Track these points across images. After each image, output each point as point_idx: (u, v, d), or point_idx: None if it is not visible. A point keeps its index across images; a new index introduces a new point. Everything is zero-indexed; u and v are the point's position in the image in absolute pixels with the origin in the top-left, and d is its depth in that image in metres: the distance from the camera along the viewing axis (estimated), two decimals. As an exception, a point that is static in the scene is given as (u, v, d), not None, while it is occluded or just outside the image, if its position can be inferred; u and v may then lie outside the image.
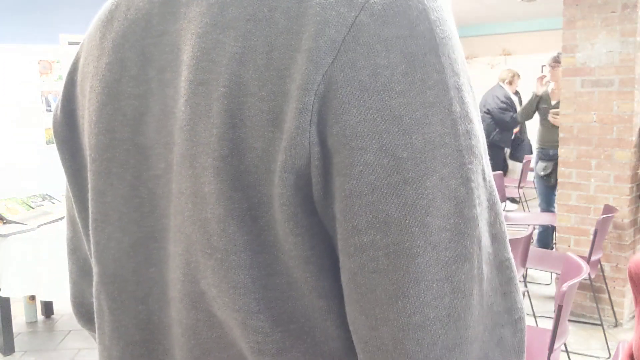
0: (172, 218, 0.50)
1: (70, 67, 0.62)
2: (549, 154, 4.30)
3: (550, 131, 4.29)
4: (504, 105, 6.05)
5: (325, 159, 0.41)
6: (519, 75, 6.31)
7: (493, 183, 0.45)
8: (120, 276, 0.55)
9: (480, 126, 0.44)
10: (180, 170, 0.47)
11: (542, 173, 4.35)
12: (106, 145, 0.54)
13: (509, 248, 0.46)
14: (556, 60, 4.27)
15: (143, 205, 0.52)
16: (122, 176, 0.53)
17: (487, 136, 6.14)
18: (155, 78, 0.50)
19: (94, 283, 0.58)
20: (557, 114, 4.25)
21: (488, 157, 0.45)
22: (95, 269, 0.57)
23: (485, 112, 6.14)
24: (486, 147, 0.45)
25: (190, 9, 0.47)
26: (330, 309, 0.45)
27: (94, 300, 0.59)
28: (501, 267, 0.44)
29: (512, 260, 0.45)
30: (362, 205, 0.40)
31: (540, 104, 4.43)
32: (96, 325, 0.59)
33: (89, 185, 0.56)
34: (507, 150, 6.62)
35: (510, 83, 6.24)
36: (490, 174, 0.44)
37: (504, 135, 6.22)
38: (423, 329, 0.40)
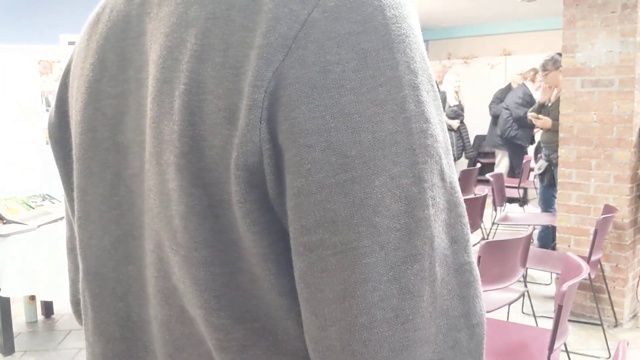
0: (146, 215, 0.50)
1: (64, 70, 0.63)
2: (545, 154, 4.36)
3: (545, 131, 4.35)
4: (520, 101, 6.07)
5: (276, 156, 0.41)
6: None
7: (455, 184, 0.44)
8: (101, 274, 0.55)
9: (442, 127, 0.43)
10: (149, 168, 0.48)
11: (537, 172, 4.40)
12: (88, 145, 0.55)
13: (471, 251, 0.44)
14: (545, 68, 4.33)
15: (122, 204, 0.53)
16: (102, 175, 0.54)
17: (503, 133, 6.19)
18: (134, 78, 0.51)
19: (80, 280, 0.59)
20: (537, 117, 4.30)
21: (451, 159, 0.44)
22: (80, 266, 0.58)
23: (505, 107, 6.23)
24: (449, 148, 0.44)
25: (162, 9, 0.48)
26: (291, 308, 0.45)
27: (80, 297, 0.59)
28: (460, 270, 0.43)
29: (474, 264, 0.44)
30: (311, 204, 0.40)
31: (543, 110, 4.46)
32: (83, 322, 0.60)
33: (74, 184, 0.57)
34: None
35: (533, 80, 6.26)
36: (451, 175, 0.43)
37: (523, 132, 6.18)
38: (369, 330, 0.39)
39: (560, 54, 4.21)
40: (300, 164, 0.40)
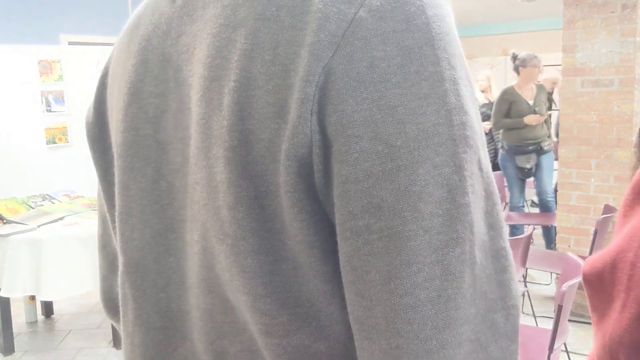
0: (189, 208, 0.53)
1: (102, 71, 0.66)
2: (532, 149, 4.51)
3: (532, 129, 4.49)
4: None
5: (325, 147, 0.43)
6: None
7: (491, 174, 0.46)
8: (142, 266, 0.58)
9: (478, 120, 0.46)
10: (196, 162, 0.50)
11: (529, 166, 4.51)
12: (130, 142, 0.58)
13: (506, 237, 0.47)
14: (524, 64, 4.45)
15: (163, 198, 0.56)
16: (144, 171, 0.57)
17: None
18: (173, 77, 0.54)
19: (119, 273, 0.62)
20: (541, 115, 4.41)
21: (486, 151, 0.47)
22: (120, 259, 0.61)
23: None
24: (484, 141, 0.46)
25: (207, 11, 0.51)
26: (334, 293, 0.47)
27: (119, 289, 0.62)
28: (497, 256, 0.45)
29: (509, 249, 0.46)
30: (358, 191, 0.42)
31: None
32: (121, 313, 0.63)
33: (116, 180, 0.60)
34: None
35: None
36: (487, 165, 0.46)
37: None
38: (414, 309, 0.41)
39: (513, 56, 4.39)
40: (348, 153, 0.42)
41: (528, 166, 4.52)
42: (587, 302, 0.96)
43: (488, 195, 0.45)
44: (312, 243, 0.46)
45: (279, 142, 0.44)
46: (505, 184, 5.02)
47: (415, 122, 0.41)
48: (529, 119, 4.42)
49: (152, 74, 0.56)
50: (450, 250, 0.42)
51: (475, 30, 9.31)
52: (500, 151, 4.70)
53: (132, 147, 0.58)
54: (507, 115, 4.53)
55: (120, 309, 0.63)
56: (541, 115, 4.42)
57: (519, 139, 4.51)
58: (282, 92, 0.44)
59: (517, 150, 4.54)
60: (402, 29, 0.42)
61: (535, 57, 4.45)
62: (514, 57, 4.53)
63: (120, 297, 0.62)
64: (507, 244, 0.47)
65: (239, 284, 0.48)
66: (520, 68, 4.49)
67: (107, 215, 0.69)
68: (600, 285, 0.90)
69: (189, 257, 0.54)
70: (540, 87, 4.59)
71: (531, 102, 4.50)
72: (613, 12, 3.37)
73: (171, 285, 0.56)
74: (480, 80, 6.56)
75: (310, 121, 0.43)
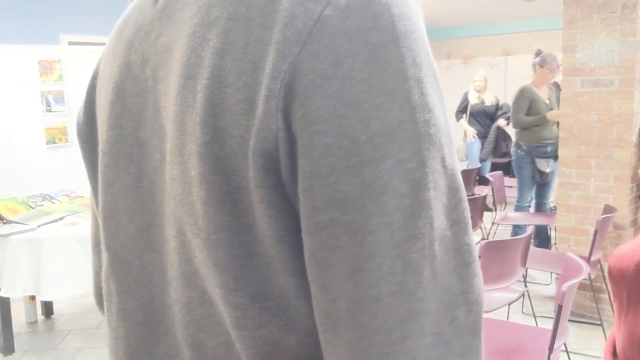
0: (167, 204, 0.54)
1: (93, 73, 0.68)
2: (550, 150, 4.49)
3: (551, 126, 4.47)
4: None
5: (291, 142, 0.44)
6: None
7: (456, 172, 0.47)
8: (127, 261, 0.60)
9: (444, 117, 0.47)
10: (172, 159, 0.51)
11: (549, 170, 4.48)
12: (114, 140, 0.59)
13: (471, 234, 0.48)
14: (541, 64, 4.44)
15: (145, 195, 0.57)
16: (127, 169, 0.58)
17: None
18: (150, 76, 0.55)
19: (103, 268, 0.63)
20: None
21: (453, 148, 0.47)
22: (104, 255, 0.62)
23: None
24: (451, 138, 0.47)
25: (184, 13, 0.52)
26: (303, 288, 0.48)
27: (104, 284, 0.64)
28: (460, 251, 0.46)
29: (473, 246, 0.47)
30: (322, 186, 0.43)
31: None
32: (105, 308, 0.64)
33: (99, 177, 0.62)
34: None
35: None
36: (452, 162, 0.47)
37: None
38: (378, 302, 0.43)
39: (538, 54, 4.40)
40: (312, 149, 0.43)
41: (548, 170, 4.46)
42: (612, 295, 1.00)
43: (452, 192, 0.46)
44: (281, 238, 0.47)
45: (249, 138, 0.45)
46: (507, 183, 5.03)
47: (380, 117, 0.42)
48: (552, 115, 4.37)
49: (133, 74, 0.57)
50: (411, 245, 0.43)
51: (475, 30, 9.31)
52: (517, 152, 4.60)
53: (115, 145, 0.59)
54: (526, 114, 4.50)
55: (105, 304, 0.64)
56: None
57: (538, 138, 4.46)
58: (251, 90, 0.45)
59: (537, 151, 4.48)
60: (368, 27, 0.43)
61: (554, 60, 4.39)
62: (537, 54, 4.50)
63: (104, 292, 0.64)
64: (472, 241, 0.48)
65: (212, 277, 0.49)
66: (537, 67, 4.46)
67: (97, 212, 0.70)
68: (624, 282, 0.92)
69: (168, 252, 0.55)
70: (550, 88, 4.58)
71: (547, 102, 4.48)
72: (613, 12, 3.37)
73: (154, 280, 0.58)
74: (477, 80, 6.58)
75: (276, 117, 0.44)
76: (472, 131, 6.40)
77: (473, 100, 6.46)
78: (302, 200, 0.44)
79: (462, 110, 6.55)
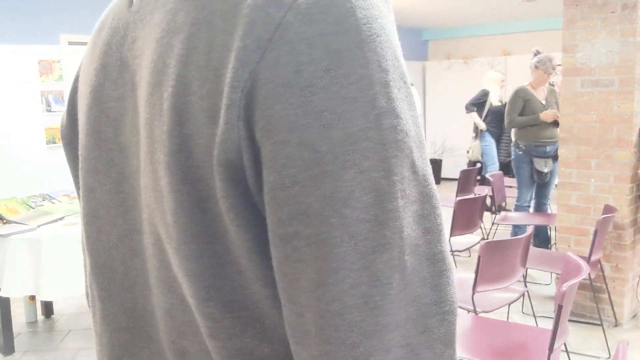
0: (143, 211, 0.53)
1: (75, 75, 0.67)
2: (548, 150, 4.51)
3: (551, 127, 4.48)
4: None
5: (255, 152, 0.43)
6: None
7: (429, 177, 0.46)
8: (109, 267, 0.59)
9: (414, 122, 0.45)
10: (144, 167, 0.51)
11: (547, 170, 4.50)
12: (93, 145, 0.58)
13: (445, 241, 0.46)
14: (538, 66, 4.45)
15: (127, 200, 0.56)
16: (107, 174, 0.57)
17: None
18: (129, 81, 0.54)
19: (87, 274, 0.62)
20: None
21: (425, 153, 0.46)
22: (87, 261, 0.61)
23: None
24: (422, 143, 0.46)
25: (154, 16, 0.51)
26: (275, 298, 0.47)
27: (88, 290, 0.63)
28: (433, 260, 0.45)
29: (446, 253, 0.46)
30: (285, 198, 0.42)
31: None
32: (91, 314, 0.63)
33: (80, 183, 0.61)
34: None
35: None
36: (424, 168, 0.45)
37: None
38: (341, 316, 0.42)
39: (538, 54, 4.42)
40: (274, 160, 0.42)
41: (546, 170, 4.48)
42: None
43: (424, 199, 0.45)
44: (251, 248, 0.46)
45: (213, 148, 0.44)
46: (507, 183, 5.03)
47: (341, 126, 0.41)
48: (545, 115, 4.40)
49: (111, 78, 0.56)
50: (378, 256, 0.41)
51: (475, 30, 9.31)
52: (516, 151, 4.64)
53: (94, 150, 0.58)
54: (521, 113, 4.53)
55: (90, 309, 0.63)
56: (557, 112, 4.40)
57: (535, 138, 4.48)
58: (214, 98, 0.43)
59: (536, 151, 4.50)
60: (330, 32, 0.41)
61: (549, 61, 4.41)
62: (535, 54, 4.52)
63: (89, 298, 0.63)
64: (446, 248, 0.46)
65: (185, 286, 0.49)
66: (533, 68, 4.49)
67: None
68: None
69: (149, 258, 0.54)
70: (550, 90, 4.60)
71: (544, 102, 4.50)
72: (613, 12, 3.37)
73: (137, 286, 0.57)
74: (501, 80, 6.44)
75: (238, 127, 0.42)
76: (483, 125, 6.30)
77: (495, 102, 6.32)
78: (267, 212, 0.43)
79: (475, 105, 6.37)
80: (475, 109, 6.34)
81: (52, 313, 3.88)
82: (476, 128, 6.40)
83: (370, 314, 0.41)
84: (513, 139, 4.77)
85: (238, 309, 0.48)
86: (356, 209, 0.41)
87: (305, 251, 0.42)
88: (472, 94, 6.63)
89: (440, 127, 9.24)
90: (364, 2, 0.43)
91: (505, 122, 4.69)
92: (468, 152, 6.54)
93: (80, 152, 0.60)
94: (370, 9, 0.43)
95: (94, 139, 0.58)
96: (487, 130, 6.30)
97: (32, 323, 3.75)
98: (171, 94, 0.46)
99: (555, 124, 4.41)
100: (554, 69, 4.43)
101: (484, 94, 6.33)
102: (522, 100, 4.52)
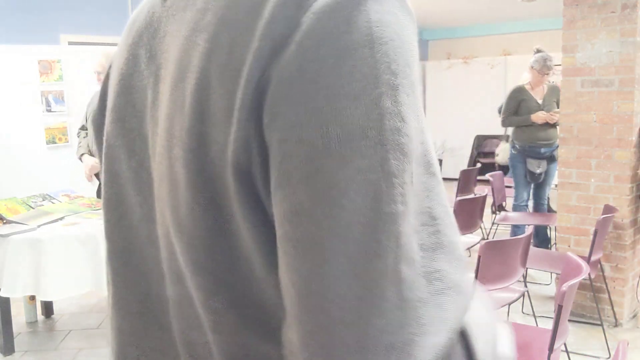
0: (156, 203, 0.54)
1: (110, 63, 0.69)
2: (543, 151, 4.53)
3: (547, 128, 4.49)
4: None
5: (264, 153, 0.43)
6: None
7: (435, 194, 0.43)
8: (127, 252, 0.60)
9: (421, 132, 0.43)
10: (161, 160, 0.51)
11: (540, 171, 4.52)
12: (117, 133, 0.59)
13: (448, 260, 0.43)
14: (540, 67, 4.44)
15: (144, 189, 0.57)
16: (128, 162, 0.59)
17: None
18: (154, 74, 0.55)
19: (105, 258, 0.63)
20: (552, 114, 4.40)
21: (437, 169, 0.44)
22: (106, 246, 0.63)
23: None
24: (429, 153, 0.44)
25: (186, 14, 0.52)
26: (281, 297, 0.46)
27: (106, 275, 0.64)
28: (429, 278, 0.41)
29: (446, 272, 0.42)
30: (282, 197, 0.41)
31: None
32: (108, 298, 0.65)
33: (102, 169, 0.62)
34: None
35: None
36: (427, 182, 0.43)
37: None
38: (327, 331, 0.39)
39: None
40: (275, 158, 0.41)
41: (538, 171, 4.51)
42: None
43: (427, 216, 0.42)
44: (262, 249, 0.45)
45: (227, 147, 0.44)
46: (506, 183, 5.03)
47: (340, 122, 0.39)
48: (536, 116, 4.42)
49: (139, 69, 0.57)
50: (369, 263, 0.38)
51: (475, 30, 9.31)
52: (512, 151, 4.67)
53: (118, 137, 0.59)
54: (517, 113, 4.55)
55: (108, 294, 0.65)
56: (551, 113, 4.40)
57: (531, 139, 4.50)
58: (232, 97, 0.43)
59: (530, 151, 4.52)
60: (341, 30, 0.41)
61: (545, 61, 4.41)
62: (535, 53, 4.52)
63: (106, 282, 0.65)
64: (445, 267, 0.42)
65: (193, 280, 0.49)
66: (530, 67, 4.51)
67: None
68: None
69: (161, 248, 0.55)
70: (552, 88, 4.59)
71: (540, 102, 4.50)
72: (613, 12, 3.37)
73: (152, 273, 0.57)
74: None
75: (248, 128, 0.42)
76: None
77: None
78: (274, 212, 0.42)
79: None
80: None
81: (52, 313, 3.88)
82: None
83: (358, 328, 0.38)
84: (510, 138, 4.79)
85: (244, 306, 0.47)
86: (349, 211, 0.38)
87: (292, 254, 0.40)
88: (472, 93, 6.62)
89: (441, 127, 9.24)
90: (380, 7, 0.43)
91: (500, 121, 4.71)
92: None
93: (105, 139, 0.62)
94: (386, 15, 0.43)
95: (119, 127, 0.59)
96: None
97: (32, 323, 3.75)
98: (193, 91, 0.46)
99: (553, 125, 4.43)
100: (549, 69, 4.43)
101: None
102: (517, 100, 4.55)
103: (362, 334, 0.38)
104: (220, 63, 0.45)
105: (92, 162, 3.79)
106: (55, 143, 4.59)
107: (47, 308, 3.85)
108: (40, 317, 3.83)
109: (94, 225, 3.07)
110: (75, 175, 4.24)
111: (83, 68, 4.71)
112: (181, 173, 0.47)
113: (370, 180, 0.39)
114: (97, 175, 3.67)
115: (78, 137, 3.97)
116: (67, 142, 4.67)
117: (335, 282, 0.38)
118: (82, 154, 3.90)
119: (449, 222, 0.44)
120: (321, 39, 0.41)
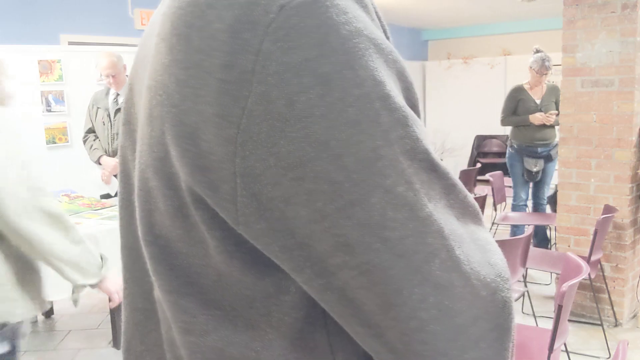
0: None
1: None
2: (540, 151, 4.55)
3: (542, 129, 4.52)
4: None
5: (252, 189, 0.42)
6: None
7: (444, 169, 0.45)
8: (135, 250, 0.60)
9: (417, 122, 0.44)
10: (137, 166, 0.52)
11: (537, 169, 4.55)
12: (125, 135, 0.61)
13: (480, 219, 0.48)
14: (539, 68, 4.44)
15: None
16: (134, 163, 0.59)
17: None
18: (143, 76, 0.55)
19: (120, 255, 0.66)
20: (549, 115, 4.41)
21: (431, 146, 0.45)
22: (120, 241, 0.64)
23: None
24: (426, 138, 0.45)
25: (156, 18, 0.52)
26: (254, 299, 0.47)
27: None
28: (477, 242, 0.46)
29: (482, 230, 0.48)
30: (321, 231, 0.41)
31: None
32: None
33: (119, 169, 0.64)
34: None
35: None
36: (438, 162, 0.45)
37: None
38: (423, 330, 0.42)
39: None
40: (297, 195, 0.40)
41: (535, 169, 4.54)
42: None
43: (448, 191, 0.45)
44: (232, 253, 0.46)
45: (184, 165, 0.44)
46: (506, 183, 5.03)
47: (352, 152, 0.39)
48: (534, 117, 4.44)
49: (140, 72, 0.58)
50: (431, 264, 0.41)
51: (475, 30, 9.31)
52: (509, 150, 4.68)
53: (126, 139, 0.61)
54: (515, 112, 4.57)
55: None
56: (548, 114, 4.41)
57: (528, 139, 4.53)
58: (192, 116, 0.42)
59: (527, 151, 4.55)
60: (315, 55, 0.39)
61: (542, 61, 4.42)
62: (534, 53, 4.54)
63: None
64: (481, 223, 0.48)
65: (165, 282, 0.50)
66: (529, 67, 4.53)
67: None
68: None
69: None
70: (551, 88, 4.59)
71: (538, 102, 4.52)
72: (613, 12, 3.37)
73: None
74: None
75: (235, 163, 0.41)
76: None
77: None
78: (310, 245, 0.42)
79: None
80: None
81: (52, 313, 3.88)
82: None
83: (447, 320, 0.42)
84: (508, 137, 4.81)
85: (215, 308, 0.48)
86: (395, 229, 0.40)
87: (360, 279, 0.41)
88: (472, 93, 6.63)
89: (440, 127, 9.24)
90: (344, 16, 0.41)
91: (500, 119, 4.73)
92: None
93: (119, 138, 0.64)
94: (352, 22, 0.41)
95: (127, 129, 0.61)
96: None
97: (32, 323, 3.74)
98: (159, 102, 0.45)
99: (550, 125, 4.44)
100: (547, 69, 4.44)
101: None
102: (515, 100, 4.58)
103: (451, 321, 0.42)
104: (179, 79, 0.43)
105: (113, 162, 3.78)
106: (55, 143, 4.59)
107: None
108: (40, 317, 3.83)
109: (94, 225, 3.07)
110: (75, 176, 4.24)
111: (83, 68, 4.71)
112: (152, 180, 0.48)
113: (399, 195, 0.41)
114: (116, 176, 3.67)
115: (86, 142, 3.95)
116: (67, 142, 4.67)
117: (412, 290, 0.41)
118: (100, 156, 3.89)
119: (458, 184, 0.47)
120: (299, 69, 0.39)
